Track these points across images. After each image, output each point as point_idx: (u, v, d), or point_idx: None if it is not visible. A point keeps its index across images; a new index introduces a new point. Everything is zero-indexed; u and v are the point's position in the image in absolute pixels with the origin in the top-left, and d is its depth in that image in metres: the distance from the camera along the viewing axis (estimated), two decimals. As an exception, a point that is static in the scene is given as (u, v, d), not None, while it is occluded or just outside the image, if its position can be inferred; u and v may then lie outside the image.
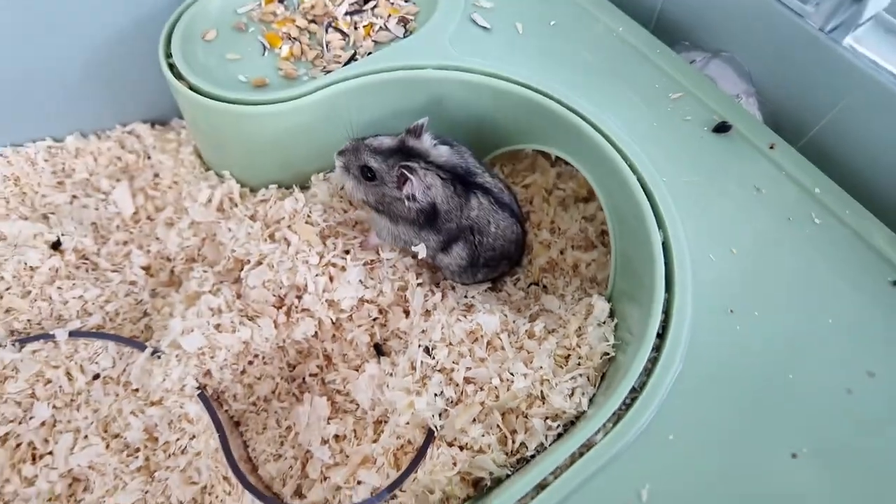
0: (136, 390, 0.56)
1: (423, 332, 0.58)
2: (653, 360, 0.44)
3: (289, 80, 0.59)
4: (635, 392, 0.43)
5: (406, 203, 0.53)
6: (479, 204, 0.55)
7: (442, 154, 0.53)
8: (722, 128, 0.55)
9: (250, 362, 0.60)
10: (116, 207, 0.68)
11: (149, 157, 0.72)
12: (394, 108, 0.61)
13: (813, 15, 0.52)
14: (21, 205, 0.67)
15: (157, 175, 0.70)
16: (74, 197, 0.68)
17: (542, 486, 0.40)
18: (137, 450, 0.55)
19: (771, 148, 0.54)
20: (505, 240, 0.58)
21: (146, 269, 0.65)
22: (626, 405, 0.43)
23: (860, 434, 0.42)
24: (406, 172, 0.51)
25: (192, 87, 0.57)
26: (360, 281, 0.61)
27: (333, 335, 0.62)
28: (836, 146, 0.55)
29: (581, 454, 0.41)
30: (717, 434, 0.42)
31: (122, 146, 0.73)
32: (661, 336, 0.46)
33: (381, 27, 0.63)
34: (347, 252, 0.62)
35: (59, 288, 0.61)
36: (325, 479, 0.55)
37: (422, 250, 0.57)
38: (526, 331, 0.57)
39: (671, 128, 0.55)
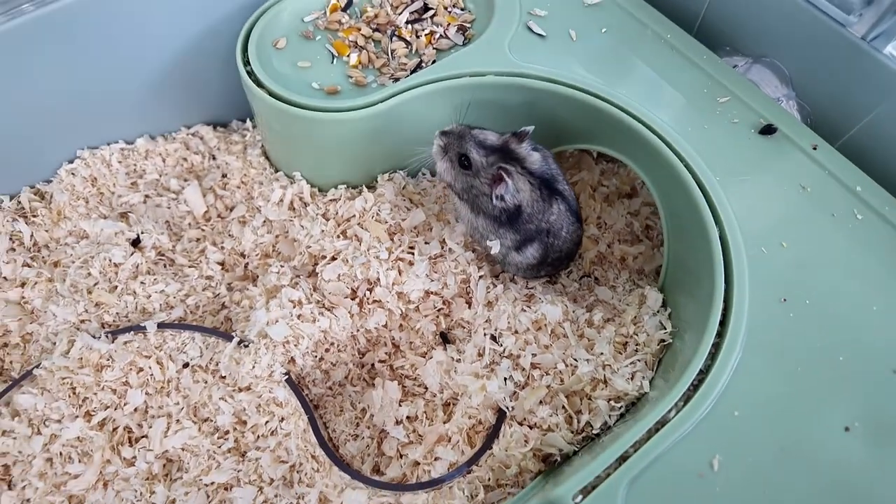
0: (224, 378, 0.60)
1: (487, 321, 0.63)
2: (716, 346, 0.49)
3: (359, 88, 0.63)
4: (702, 374, 0.48)
5: (493, 201, 0.56)
6: (558, 210, 0.59)
7: (535, 161, 0.57)
8: (768, 130, 0.59)
9: (327, 350, 0.64)
10: (188, 206, 0.72)
11: (214, 158, 0.76)
12: (456, 112, 0.65)
13: (856, 24, 0.56)
14: (100, 204, 0.71)
15: (224, 175, 0.74)
16: (147, 196, 0.72)
17: (623, 458, 0.44)
18: (227, 432, 0.59)
19: (814, 149, 0.58)
20: (571, 242, 0.63)
21: (221, 264, 0.69)
22: (695, 386, 0.47)
23: (905, 410, 0.46)
24: (504, 174, 0.54)
25: (271, 94, 0.61)
26: (426, 275, 0.65)
27: (401, 325, 0.66)
28: (873, 148, 0.60)
29: (657, 430, 0.45)
30: (777, 410, 0.46)
31: (187, 147, 0.77)
32: (723, 323, 0.50)
33: (441, 35, 0.66)
34: (413, 248, 0.66)
35: (142, 283, 0.65)
36: (402, 456, 0.60)
37: (496, 246, 0.60)
38: (585, 320, 0.62)
39: (721, 130, 0.60)
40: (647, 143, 0.58)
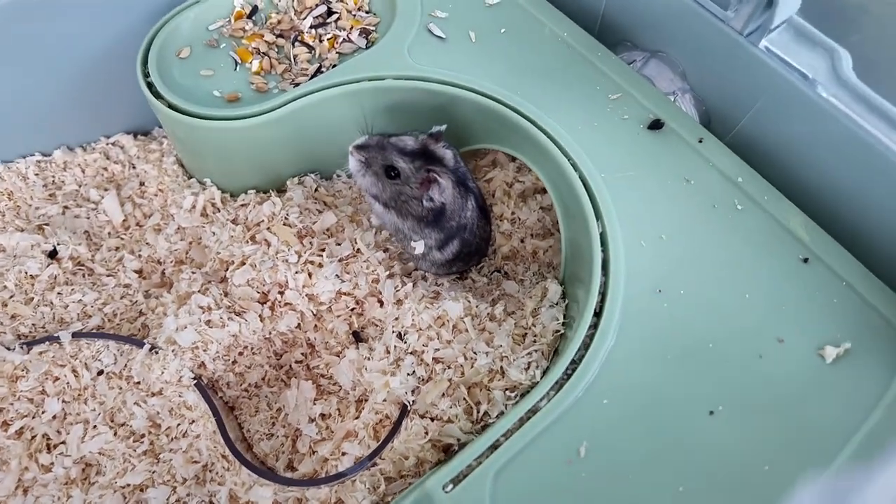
0: (138, 383, 0.62)
1: (395, 319, 0.64)
2: (590, 336, 0.51)
3: (260, 94, 0.64)
4: (575, 364, 0.50)
5: (423, 203, 0.57)
6: (472, 206, 0.61)
7: (450, 160, 0.58)
8: (656, 125, 0.61)
9: (240, 353, 0.65)
10: (107, 216, 0.73)
11: (133, 167, 0.77)
12: (359, 116, 0.66)
13: (733, 19, 0.58)
14: (16, 217, 0.71)
15: (142, 184, 0.75)
16: (66, 208, 0.73)
17: (494, 447, 0.47)
18: (143, 436, 0.61)
19: (700, 142, 0.60)
20: (481, 238, 0.65)
21: (139, 272, 0.70)
22: (567, 375, 0.50)
23: (768, 392, 0.49)
24: (436, 176, 0.55)
25: (170, 105, 0.62)
26: (337, 275, 0.67)
27: (315, 325, 0.68)
28: (759, 139, 0.62)
29: (528, 418, 0.48)
30: (645, 397, 0.48)
31: (107, 157, 0.77)
32: (598, 314, 0.52)
33: (344, 39, 0.67)
34: (323, 250, 0.68)
35: (59, 293, 0.66)
36: (314, 452, 0.62)
37: (420, 246, 0.62)
38: (488, 314, 0.63)
39: (610, 126, 0.61)
40: (538, 143, 0.60)
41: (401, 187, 0.58)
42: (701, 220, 0.56)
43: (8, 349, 0.62)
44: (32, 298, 0.66)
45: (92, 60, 0.71)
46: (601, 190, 0.57)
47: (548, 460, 0.46)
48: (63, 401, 0.62)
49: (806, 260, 0.54)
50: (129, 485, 0.59)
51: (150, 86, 0.63)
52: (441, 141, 0.59)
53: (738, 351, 0.51)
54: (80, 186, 0.75)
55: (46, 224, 0.71)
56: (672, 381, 0.49)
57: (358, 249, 0.68)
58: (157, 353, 0.62)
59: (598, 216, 0.56)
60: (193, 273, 0.66)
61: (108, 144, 0.78)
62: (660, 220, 0.56)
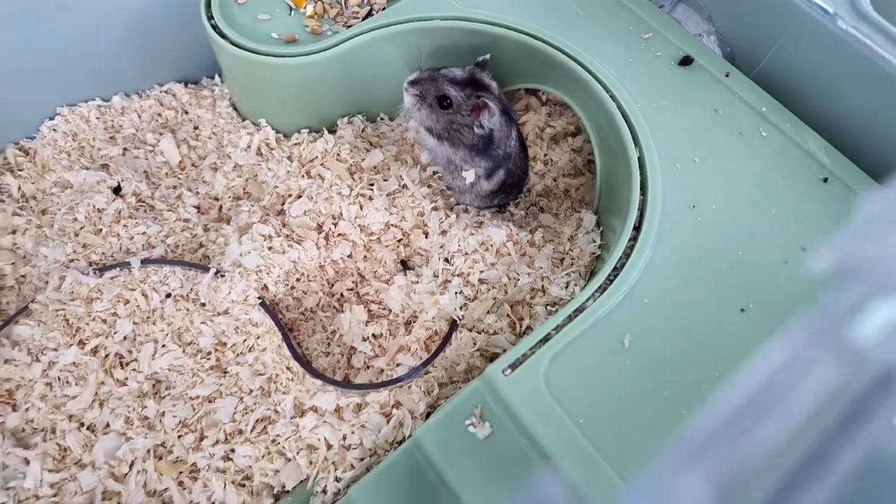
0: (204, 305, 0.67)
1: (441, 246, 0.69)
2: (631, 247, 0.56)
3: (315, 36, 0.68)
4: (616, 270, 0.55)
5: (474, 130, 0.61)
6: (515, 137, 0.65)
7: (496, 89, 0.63)
8: (685, 61, 0.65)
9: (297, 279, 0.70)
10: (164, 157, 0.77)
11: (186, 113, 0.81)
12: (406, 57, 0.70)
13: (759, -40, 0.62)
14: (81, 157, 0.76)
15: (196, 128, 0.79)
16: (125, 149, 0.77)
17: (546, 339, 0.52)
18: (209, 353, 0.65)
19: (727, 76, 0.65)
20: (521, 171, 0.69)
21: (197, 207, 0.74)
22: (610, 280, 0.54)
23: (793, 292, 0.54)
24: (487, 102, 0.59)
25: (234, 44, 0.66)
26: (386, 208, 0.71)
27: (364, 256, 0.73)
28: (781, 74, 0.66)
29: (576, 315, 0.52)
30: (682, 297, 0.53)
31: (160, 104, 0.82)
32: (637, 228, 0.57)
33: (391, -15, 0.71)
34: (372, 185, 0.73)
35: (124, 226, 0.71)
36: (369, 367, 0.67)
37: (470, 176, 0.66)
38: (528, 240, 0.68)
39: (644, 62, 0.66)
40: (579, 79, 0.65)
41: (453, 116, 0.62)
42: (729, 146, 0.61)
43: (83, 274, 0.67)
44: (101, 230, 0.70)
45: (148, 13, 0.75)
46: (638, 119, 0.61)
47: (595, 351, 0.51)
48: (133, 322, 0.66)
49: (825, 179, 0.59)
50: (198, 396, 0.63)
51: (214, 27, 0.67)
52: (486, 69, 0.63)
53: (765, 258, 0.55)
54: (137, 130, 0.79)
55: (108, 164, 0.76)
56: (706, 284, 0.54)
57: (404, 185, 0.73)
58: (222, 276, 0.66)
59: (636, 142, 0.60)
60: (252, 206, 0.71)
61: (161, 92, 0.82)
62: (692, 146, 0.61)
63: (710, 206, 0.58)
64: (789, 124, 0.62)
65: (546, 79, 0.69)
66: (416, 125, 0.65)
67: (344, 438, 0.60)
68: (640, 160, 0.59)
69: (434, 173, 0.74)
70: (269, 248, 0.67)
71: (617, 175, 0.64)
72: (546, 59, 0.66)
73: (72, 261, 0.69)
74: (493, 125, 0.62)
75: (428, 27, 0.68)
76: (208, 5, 0.68)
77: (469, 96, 0.61)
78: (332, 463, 0.59)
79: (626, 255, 0.55)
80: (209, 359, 0.65)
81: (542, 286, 0.63)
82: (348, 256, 0.72)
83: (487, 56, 0.64)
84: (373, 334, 0.69)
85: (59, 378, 0.64)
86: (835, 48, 0.60)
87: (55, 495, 0.60)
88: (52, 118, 0.77)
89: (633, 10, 0.69)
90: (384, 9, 0.69)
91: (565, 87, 0.67)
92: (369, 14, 0.69)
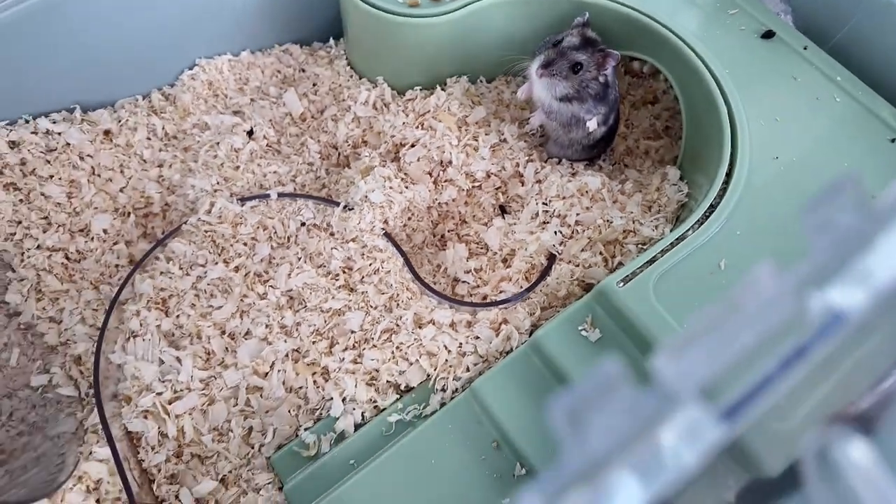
0: (333, 234, 0.76)
1: (539, 193, 0.78)
2: (724, 189, 0.65)
3: (435, 2, 0.78)
4: (712, 208, 0.64)
5: (598, 80, 0.70)
6: (617, 84, 0.74)
7: (600, 41, 0.72)
8: (768, 35, 0.74)
9: (409, 217, 0.80)
10: (287, 108, 0.87)
11: (303, 70, 0.91)
12: (516, 25, 0.79)
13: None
14: (216, 104, 0.85)
15: (314, 84, 0.88)
16: (252, 99, 0.87)
17: (652, 261, 0.61)
18: (338, 274, 0.75)
19: (805, 49, 0.73)
20: (616, 121, 0.78)
21: (319, 153, 0.84)
22: (706, 216, 0.63)
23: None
24: (608, 52, 0.69)
25: (367, 2, 0.75)
26: (488, 158, 0.80)
27: (466, 201, 0.82)
28: (852, 50, 0.74)
29: (678, 242, 0.61)
30: (769, 229, 0.62)
31: (280, 61, 0.91)
32: (728, 175, 0.66)
33: (503, -40, 0.80)
34: (476, 137, 0.82)
35: (258, 164, 0.81)
36: (472, 295, 0.76)
37: (593, 123, 0.74)
38: (619, 189, 0.77)
39: (730, 34, 0.74)
40: (674, 47, 0.73)
41: (584, 75, 0.70)
42: (808, 108, 0.70)
43: (229, 202, 0.76)
44: (238, 167, 0.80)
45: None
46: (727, 81, 0.70)
47: (695, 270, 0.60)
48: (271, 246, 0.76)
49: (893, 140, 0.68)
50: (330, 309, 0.73)
51: (354, -9, 0.76)
52: (589, 27, 0.72)
53: (839, 204, 0.64)
54: (261, 83, 0.89)
55: (240, 110, 0.85)
56: (787, 220, 0.63)
57: (504, 139, 0.82)
58: (350, 209, 0.76)
59: (727, 103, 0.69)
60: (371, 153, 0.80)
61: (280, 51, 0.92)
62: (774, 106, 0.70)
63: (791, 158, 0.66)
64: (861, 92, 0.70)
65: (643, 48, 0.78)
66: (546, 96, 0.73)
67: (460, 346, 0.69)
68: (731, 117, 0.68)
69: (551, 132, 0.83)
70: (390, 188, 0.77)
71: (702, 135, 0.73)
72: (644, 29, 0.75)
73: (216, 191, 0.78)
74: (610, 72, 0.71)
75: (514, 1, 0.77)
76: (346, -28, 0.77)
77: (591, 53, 0.70)
78: (451, 366, 0.68)
79: (720, 196, 0.64)
80: (338, 279, 0.75)
81: (634, 228, 0.72)
82: (453, 200, 0.81)
83: (587, 15, 0.72)
84: (474, 268, 0.78)
85: (205, 290, 0.74)
86: (905, 26, 0.68)
87: (204, 388, 0.70)
88: (191, 68, 0.86)
89: (720, -12, 0.78)
90: (498, -20, 0.78)
91: (660, 56, 0.76)
92: (486, -16, 0.78)
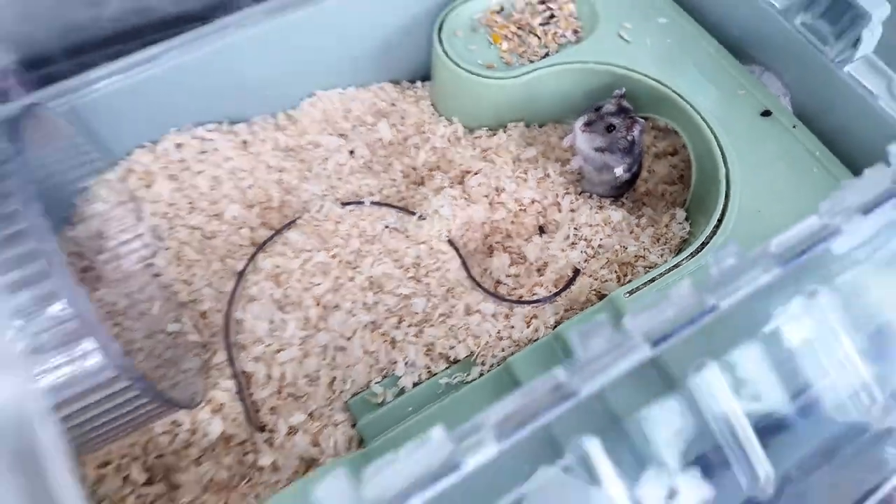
0: (408, 236, 0.99)
1: (572, 219, 0.99)
2: (714, 231, 0.84)
3: (506, 66, 1.00)
4: (703, 245, 0.83)
5: (627, 138, 0.90)
6: (643, 142, 0.95)
7: (632, 110, 0.93)
8: (766, 113, 0.93)
9: (467, 230, 1.02)
10: (379, 134, 1.10)
11: (394, 105, 1.14)
12: (567, 89, 1.01)
13: (828, 51, 0.89)
14: (327, 126, 1.10)
15: (402, 117, 1.12)
16: (354, 126, 1.11)
17: (652, 280, 0.81)
18: (409, 267, 0.97)
19: (794, 127, 0.92)
20: (638, 168, 0.98)
21: (401, 172, 1.07)
22: (699, 250, 0.83)
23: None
24: (636, 119, 0.89)
25: (452, 62, 0.98)
26: (533, 189, 1.02)
27: (512, 221, 1.04)
28: (834, 134, 0.93)
29: (675, 267, 0.81)
30: (743, 268, 0.81)
31: (376, 96, 1.15)
32: (720, 221, 0.85)
33: (562, 35, 1.02)
34: (526, 171, 1.03)
35: (355, 178, 1.04)
36: (511, 294, 0.97)
37: (620, 170, 0.93)
38: (635, 223, 0.97)
39: (736, 109, 0.94)
40: (691, 117, 0.93)
41: (615, 133, 0.91)
42: (790, 175, 0.88)
43: (333, 204, 1.00)
44: (341, 178, 1.04)
45: (383, 35, 1.08)
46: (729, 150, 0.89)
47: (683, 292, 0.79)
48: (360, 242, 0.99)
49: (856, 207, 0.85)
50: (401, 294, 0.96)
51: (442, 48, 0.99)
52: (624, 99, 0.93)
53: (804, 252, 0.83)
54: (360, 113, 1.13)
55: (344, 133, 1.09)
56: (761, 262, 0.82)
57: (547, 174, 1.03)
58: (423, 219, 0.98)
59: (725, 165, 0.89)
60: (442, 176, 1.03)
61: (377, 88, 1.16)
62: (763, 171, 0.89)
63: (771, 212, 0.85)
64: (835, 167, 0.89)
65: (667, 114, 0.98)
66: (586, 146, 0.95)
67: (498, 332, 0.90)
68: (728, 176, 0.88)
69: (586, 173, 1.03)
70: (455, 205, 0.99)
71: (706, 187, 0.93)
72: (669, 100, 0.95)
73: (324, 195, 1.02)
74: (637, 134, 0.92)
75: (585, 68, 0.98)
76: (439, 31, 1.01)
77: (623, 118, 0.91)
78: (490, 346, 0.89)
79: (712, 235, 0.84)
80: (409, 272, 0.97)
81: (643, 254, 0.92)
82: (502, 219, 1.03)
83: (623, 90, 0.93)
84: (514, 274, 0.99)
85: (309, 271, 0.98)
86: (876, 122, 0.87)
87: (302, 345, 0.93)
88: (310, 97, 1.11)
89: (733, 73, 0.97)
90: (556, 52, 1.00)
91: (679, 121, 0.96)
92: (546, 55, 1.00)
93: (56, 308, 0.60)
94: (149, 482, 0.81)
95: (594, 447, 0.41)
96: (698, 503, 0.42)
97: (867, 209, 0.47)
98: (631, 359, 0.39)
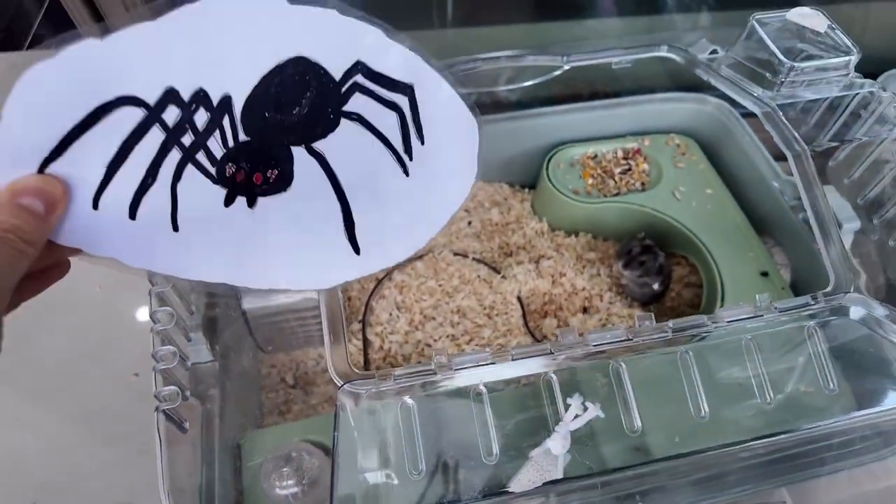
0: (491, 287, 1.43)
1: (607, 308, 1.38)
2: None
3: (588, 195, 1.46)
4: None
5: (656, 264, 1.32)
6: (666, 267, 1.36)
7: (656, 248, 1.35)
8: (764, 274, 1.29)
9: (531, 294, 1.44)
10: (491, 216, 1.59)
11: (505, 199, 1.64)
12: (628, 219, 1.44)
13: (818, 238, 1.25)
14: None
15: (509, 209, 1.61)
16: (475, 207, 1.61)
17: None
18: (486, 308, 1.41)
19: (782, 288, 1.27)
20: (664, 287, 1.38)
21: (497, 244, 1.54)
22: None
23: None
24: (658, 253, 1.32)
25: (556, 188, 1.46)
26: (585, 280, 1.43)
27: (565, 297, 1.45)
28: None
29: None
30: (714, 368, 1.16)
31: (495, 191, 1.66)
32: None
33: (633, 183, 1.47)
34: (584, 267, 1.45)
35: (467, 238, 1.53)
36: (551, 347, 1.37)
37: (656, 286, 1.35)
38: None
39: (743, 266, 1.31)
40: (708, 263, 1.32)
41: (647, 266, 1.33)
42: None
43: (449, 252, 1.48)
44: (458, 237, 1.53)
45: (513, 154, 1.60)
46: (728, 290, 1.26)
47: (666, 370, 1.15)
48: (459, 282, 1.45)
49: (812, 353, 1.17)
50: (476, 322, 1.39)
51: (549, 178, 1.48)
52: (646, 238, 1.34)
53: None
54: (482, 200, 1.63)
55: (468, 209, 1.60)
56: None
57: (599, 273, 1.44)
58: (505, 278, 1.43)
59: (722, 301, 1.25)
60: (525, 254, 1.48)
61: (497, 185, 1.67)
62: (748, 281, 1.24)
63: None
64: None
65: (694, 255, 1.38)
66: (629, 276, 1.37)
67: (534, 367, 1.30)
68: (723, 298, 1.24)
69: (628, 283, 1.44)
70: (528, 276, 1.43)
71: (709, 313, 1.29)
72: (689, 241, 1.35)
73: (444, 245, 1.51)
74: (662, 261, 1.32)
75: (641, 210, 1.42)
76: (548, 161, 1.51)
77: (649, 254, 1.32)
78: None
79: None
80: (485, 311, 1.40)
81: (651, 344, 1.29)
82: (558, 294, 1.44)
83: (643, 234, 1.35)
84: (557, 334, 1.39)
85: (421, 289, 1.44)
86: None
87: (405, 335, 1.38)
88: (452, 181, 1.64)
89: (748, 239, 1.36)
90: (625, 193, 1.45)
91: (700, 262, 1.35)
92: (616, 194, 1.45)
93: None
94: (293, 386, 1.27)
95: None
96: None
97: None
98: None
